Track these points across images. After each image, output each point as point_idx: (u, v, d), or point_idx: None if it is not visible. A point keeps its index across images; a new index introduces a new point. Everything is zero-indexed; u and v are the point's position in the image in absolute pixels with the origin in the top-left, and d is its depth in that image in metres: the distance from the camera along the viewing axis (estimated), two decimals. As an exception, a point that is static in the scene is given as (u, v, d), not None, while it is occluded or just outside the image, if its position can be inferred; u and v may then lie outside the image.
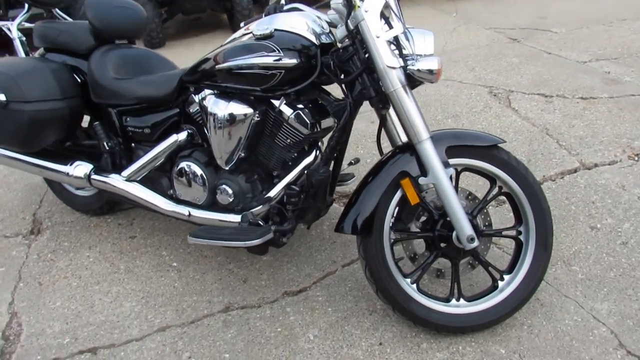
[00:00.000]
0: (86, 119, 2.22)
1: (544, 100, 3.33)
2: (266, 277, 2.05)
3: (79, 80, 2.09)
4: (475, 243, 1.57)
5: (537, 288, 1.69)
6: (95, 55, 2.05)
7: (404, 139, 1.74)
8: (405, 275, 1.68)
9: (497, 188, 1.70)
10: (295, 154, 1.81)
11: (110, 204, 2.45)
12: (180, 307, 1.93)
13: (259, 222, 1.78)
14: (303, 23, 1.66)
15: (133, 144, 2.08)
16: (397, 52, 1.55)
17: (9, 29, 2.29)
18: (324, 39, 1.68)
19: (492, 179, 1.69)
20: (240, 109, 1.71)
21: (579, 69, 3.76)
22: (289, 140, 1.76)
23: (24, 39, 2.27)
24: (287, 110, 1.71)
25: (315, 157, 1.79)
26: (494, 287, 1.70)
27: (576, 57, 4.01)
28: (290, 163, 1.82)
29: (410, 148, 1.60)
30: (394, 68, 1.51)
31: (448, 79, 3.79)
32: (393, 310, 1.68)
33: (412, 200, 1.60)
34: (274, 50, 1.59)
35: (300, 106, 1.72)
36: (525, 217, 1.68)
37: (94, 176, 2.04)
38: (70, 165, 2.07)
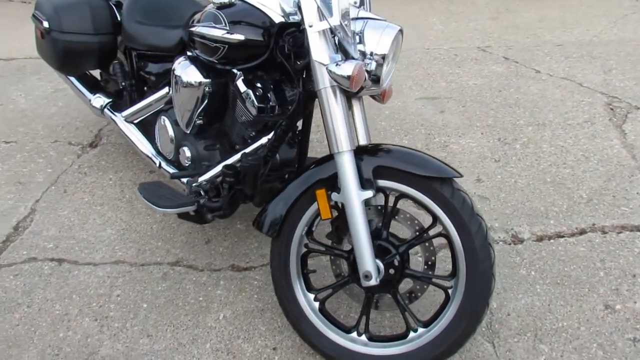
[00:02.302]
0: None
1: (672, 128, 2.59)
2: (227, 244, 2.06)
3: (118, 19, 2.24)
4: (372, 282, 1.36)
5: (448, 357, 1.41)
6: (131, -3, 2.18)
7: (362, 141, 1.52)
8: (310, 289, 1.55)
9: (440, 226, 1.43)
10: (253, 133, 1.73)
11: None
12: (143, 248, 2.07)
13: (201, 192, 1.77)
14: None
15: (145, 88, 2.20)
16: (348, 46, 1.35)
17: None
18: (294, 19, 1.52)
19: (434, 214, 1.42)
20: (195, 76, 1.67)
21: None
22: (243, 118, 1.68)
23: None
24: (241, 87, 1.62)
25: (269, 140, 1.69)
26: (403, 335, 1.47)
27: None
28: (249, 140, 1.75)
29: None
30: (323, 64, 1.32)
31: (566, 78, 3.15)
32: (287, 320, 1.58)
33: (322, 214, 1.43)
34: (221, 23, 1.50)
35: (258, 85, 1.62)
36: (458, 272, 1.39)
37: (106, 110, 2.23)
38: (93, 94, 2.28)
